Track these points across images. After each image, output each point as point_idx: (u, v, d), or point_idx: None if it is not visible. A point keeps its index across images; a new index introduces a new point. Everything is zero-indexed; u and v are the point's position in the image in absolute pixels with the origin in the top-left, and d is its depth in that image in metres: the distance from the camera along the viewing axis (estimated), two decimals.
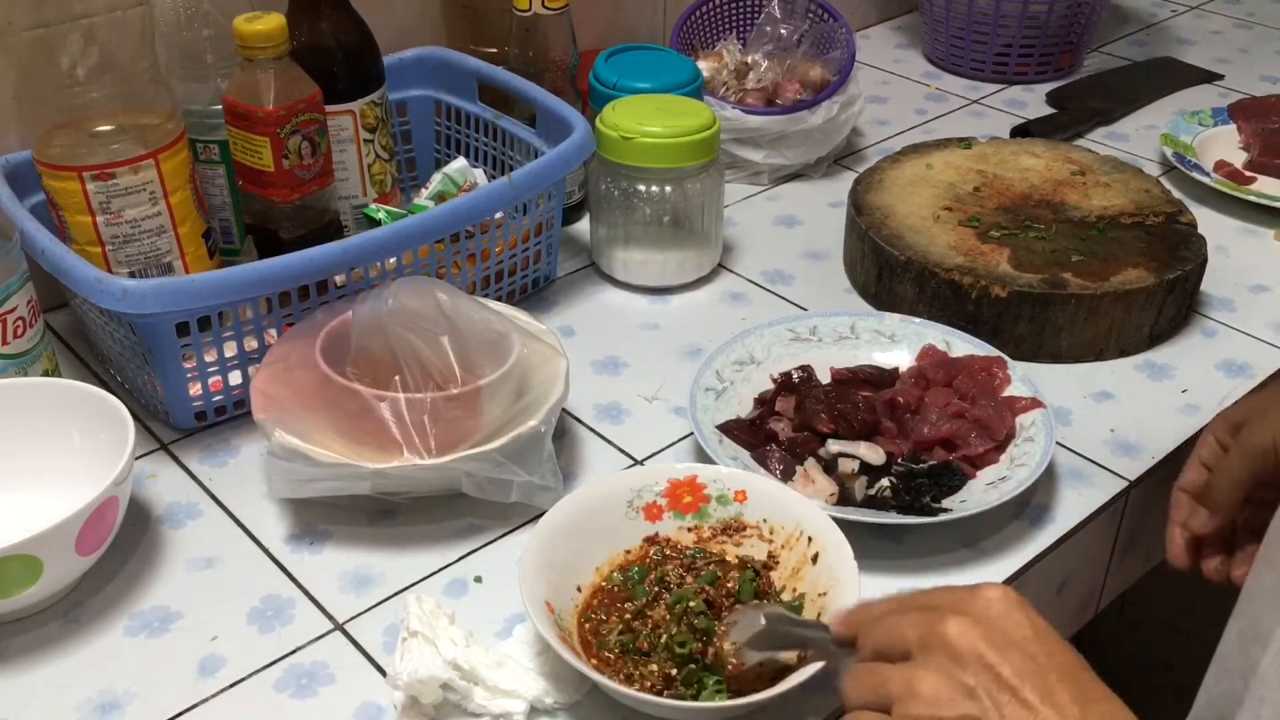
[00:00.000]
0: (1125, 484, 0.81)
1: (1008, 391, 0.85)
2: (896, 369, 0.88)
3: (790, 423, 0.82)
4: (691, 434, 0.83)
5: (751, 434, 0.82)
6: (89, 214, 0.81)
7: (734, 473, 0.74)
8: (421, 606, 0.65)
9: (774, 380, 0.86)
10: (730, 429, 0.81)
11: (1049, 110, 1.33)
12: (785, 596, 0.69)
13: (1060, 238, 0.97)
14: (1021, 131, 1.25)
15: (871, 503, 0.77)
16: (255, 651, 0.68)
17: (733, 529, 0.73)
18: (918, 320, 0.91)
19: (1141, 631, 1.72)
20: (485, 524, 0.76)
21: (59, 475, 0.73)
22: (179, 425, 0.83)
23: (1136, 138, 1.27)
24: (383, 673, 0.66)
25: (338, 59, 0.92)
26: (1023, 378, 0.85)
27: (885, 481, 0.77)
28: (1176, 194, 1.06)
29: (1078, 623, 0.88)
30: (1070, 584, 0.82)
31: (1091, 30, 1.39)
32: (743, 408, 0.84)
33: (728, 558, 0.72)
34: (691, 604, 0.66)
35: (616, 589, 0.69)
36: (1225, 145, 1.21)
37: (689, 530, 0.73)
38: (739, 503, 0.73)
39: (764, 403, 0.84)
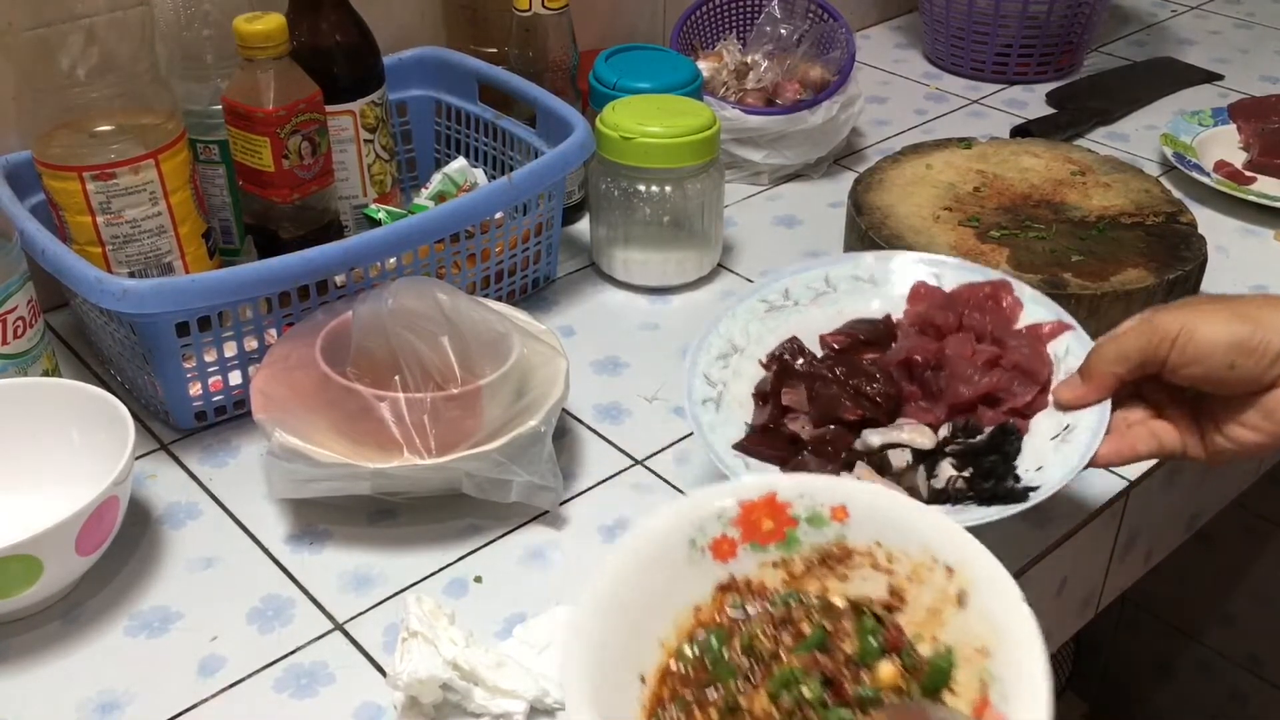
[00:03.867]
0: (1125, 484, 0.81)
1: (1024, 319, 0.76)
2: (889, 317, 0.79)
3: (808, 417, 0.73)
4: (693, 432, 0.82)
5: (773, 443, 0.72)
6: (89, 214, 0.81)
7: (824, 481, 0.56)
8: (421, 606, 0.65)
9: (764, 366, 0.77)
10: (749, 446, 0.72)
11: (1049, 110, 1.33)
12: (924, 650, 0.51)
13: (1060, 238, 0.97)
14: (1021, 131, 1.25)
15: (942, 497, 0.68)
16: (255, 651, 0.68)
17: (834, 559, 0.54)
18: (893, 253, 0.82)
19: (1141, 631, 1.72)
20: (485, 524, 0.76)
21: (59, 475, 0.73)
22: (179, 425, 0.83)
23: (1136, 138, 1.27)
24: (383, 673, 0.66)
25: (338, 59, 0.92)
26: (1033, 297, 0.77)
27: (947, 468, 0.68)
28: (1176, 194, 1.06)
29: (1078, 623, 0.88)
30: (1070, 584, 0.82)
31: (1092, 30, 1.39)
32: (744, 410, 0.75)
33: (833, 600, 0.54)
34: (805, 690, 0.49)
35: (691, 670, 0.52)
36: (1225, 145, 1.21)
37: (774, 566, 0.55)
38: (837, 522, 0.54)
39: (766, 398, 0.75)
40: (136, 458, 0.72)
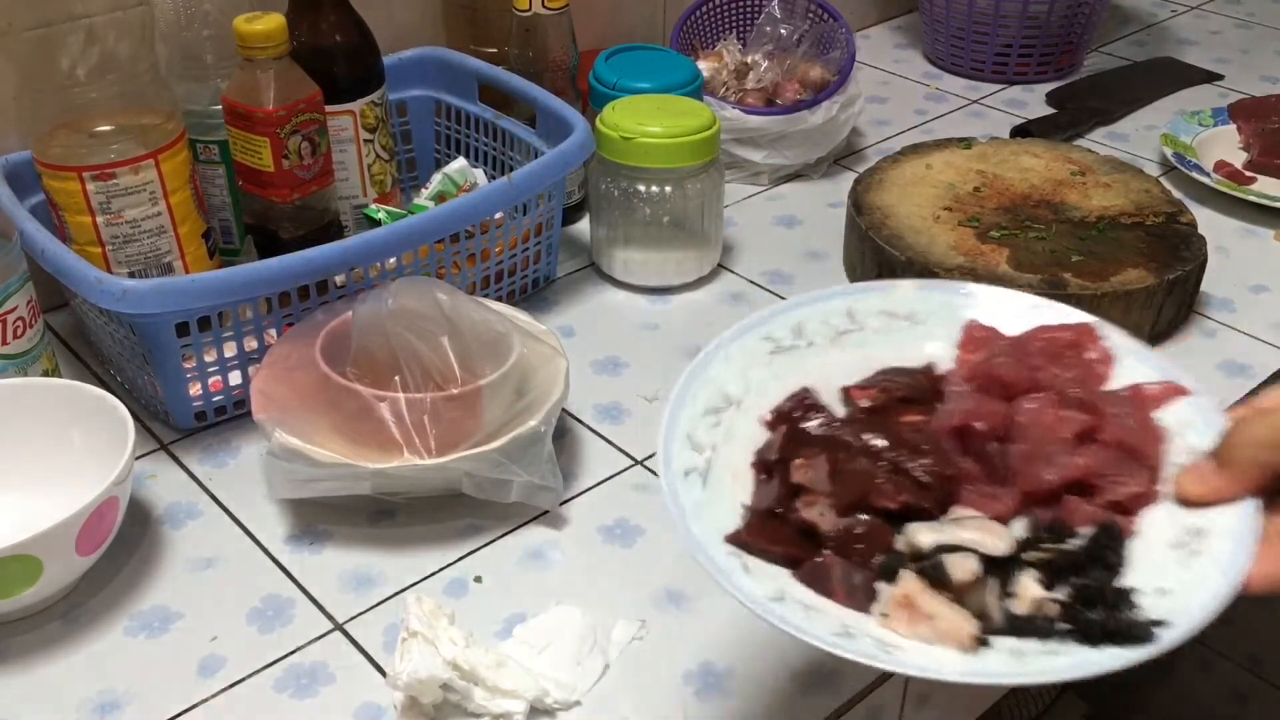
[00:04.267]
0: None
1: (1118, 377, 0.59)
2: (932, 367, 0.61)
3: (827, 501, 0.54)
4: None
5: (780, 536, 0.54)
6: (89, 214, 0.81)
7: None
8: (421, 607, 0.65)
9: (768, 425, 0.59)
10: (749, 540, 0.53)
11: (1049, 110, 1.33)
12: None
13: (1060, 238, 0.97)
14: (1021, 131, 1.25)
15: (1028, 627, 0.50)
16: (255, 651, 0.68)
17: None
18: (939, 284, 0.65)
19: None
20: (485, 524, 0.76)
21: (59, 475, 0.73)
22: (179, 425, 0.83)
23: (1136, 138, 1.27)
24: (383, 673, 0.66)
25: (338, 59, 0.92)
26: (1132, 350, 0.60)
27: (1031, 584, 0.50)
28: (1176, 194, 1.06)
29: None
30: None
31: (1092, 30, 1.39)
32: (741, 485, 0.56)
33: None
34: None
35: None
36: (1225, 145, 1.21)
37: None
38: None
39: (770, 469, 0.57)
40: (136, 458, 0.72)
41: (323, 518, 0.77)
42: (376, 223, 0.94)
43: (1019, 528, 0.54)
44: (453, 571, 0.73)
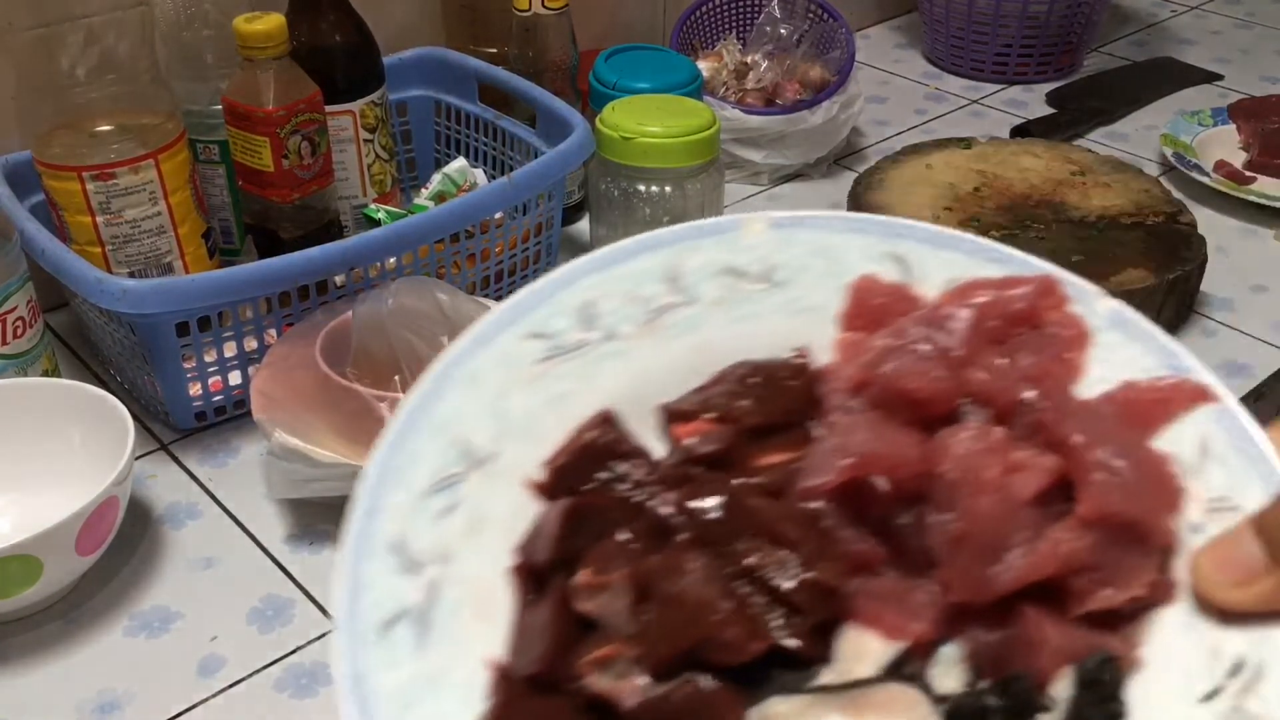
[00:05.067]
0: None
1: (1096, 369, 0.38)
2: (805, 363, 0.39)
3: (633, 652, 0.32)
4: None
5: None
6: (89, 214, 0.81)
7: None
8: None
9: (541, 490, 0.36)
10: None
11: (1049, 110, 1.33)
12: None
13: (1060, 238, 0.97)
14: (1021, 131, 1.25)
15: None
16: (255, 651, 0.68)
17: None
18: (809, 217, 0.45)
19: None
20: None
21: (59, 475, 0.73)
22: (179, 425, 0.83)
23: (1136, 138, 1.27)
24: None
25: (338, 59, 0.92)
26: (1113, 317, 0.41)
27: None
28: (1176, 194, 1.06)
29: None
30: None
31: (1091, 30, 1.39)
32: (491, 622, 0.33)
33: None
34: None
35: None
36: (1225, 145, 1.21)
37: None
38: None
39: (541, 580, 0.34)
40: (136, 458, 0.72)
41: (323, 518, 0.76)
42: (376, 223, 0.94)
43: (945, 670, 0.34)
44: None
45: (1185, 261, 0.93)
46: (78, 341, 0.93)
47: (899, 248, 0.40)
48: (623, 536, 0.32)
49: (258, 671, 0.67)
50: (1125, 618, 0.33)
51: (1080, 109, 1.31)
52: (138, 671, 0.67)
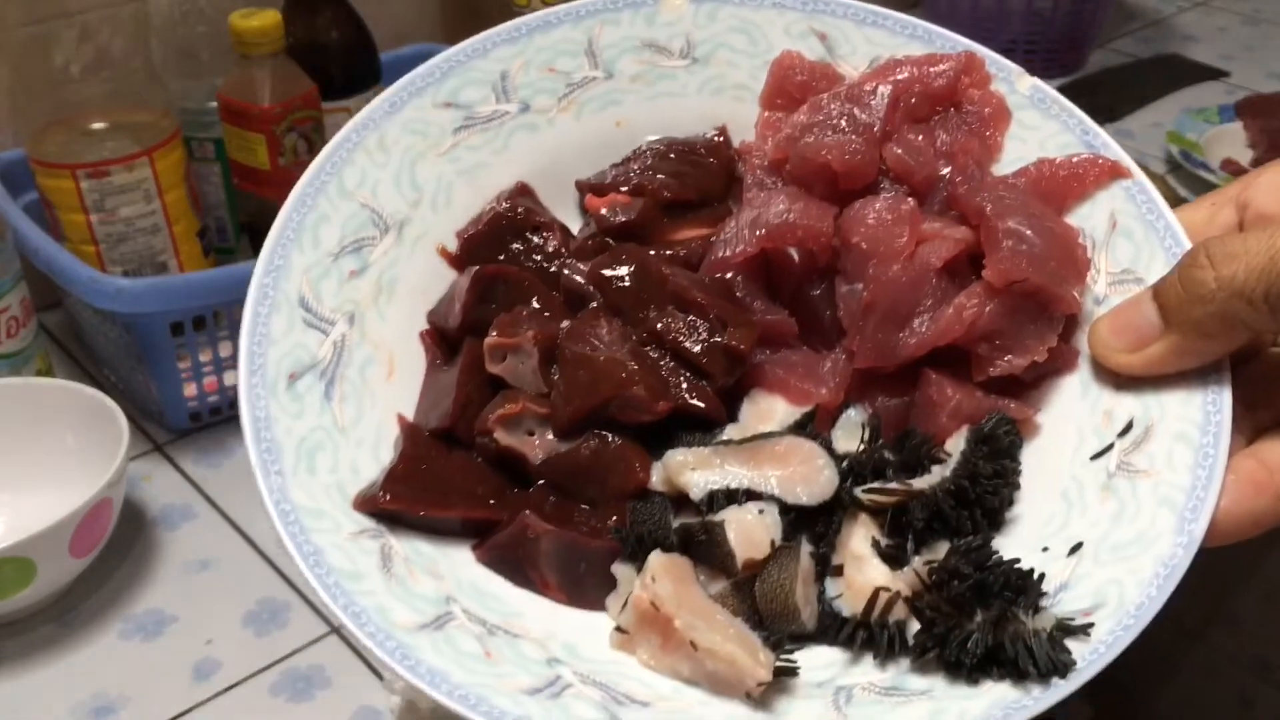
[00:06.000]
0: None
1: (1015, 146, 0.39)
2: (723, 142, 0.39)
3: (541, 411, 0.33)
4: None
5: (457, 481, 0.33)
6: (83, 212, 0.80)
7: None
8: None
9: (451, 260, 0.37)
10: (392, 498, 0.33)
11: None
12: None
13: None
14: None
15: (864, 642, 0.31)
16: (251, 655, 0.67)
17: None
18: None
19: (1146, 632, 1.71)
20: None
21: (52, 477, 0.72)
22: (173, 426, 0.83)
23: (1142, 135, 1.26)
24: (380, 676, 0.66)
25: (334, 55, 0.92)
26: (1034, 95, 0.41)
27: (867, 564, 0.30)
28: (1182, 192, 1.05)
29: None
30: None
31: (1096, 27, 1.39)
32: (400, 380, 0.35)
33: None
34: None
35: None
36: (1232, 143, 1.20)
37: None
38: None
39: (452, 345, 0.35)
40: (131, 459, 0.71)
41: None
42: None
43: (848, 433, 0.33)
44: None
45: None
46: (71, 341, 0.92)
47: (823, 24, 0.39)
48: (535, 304, 0.33)
49: (254, 675, 0.66)
50: (1027, 385, 0.35)
51: (1085, 106, 1.30)
52: (132, 675, 0.66)
